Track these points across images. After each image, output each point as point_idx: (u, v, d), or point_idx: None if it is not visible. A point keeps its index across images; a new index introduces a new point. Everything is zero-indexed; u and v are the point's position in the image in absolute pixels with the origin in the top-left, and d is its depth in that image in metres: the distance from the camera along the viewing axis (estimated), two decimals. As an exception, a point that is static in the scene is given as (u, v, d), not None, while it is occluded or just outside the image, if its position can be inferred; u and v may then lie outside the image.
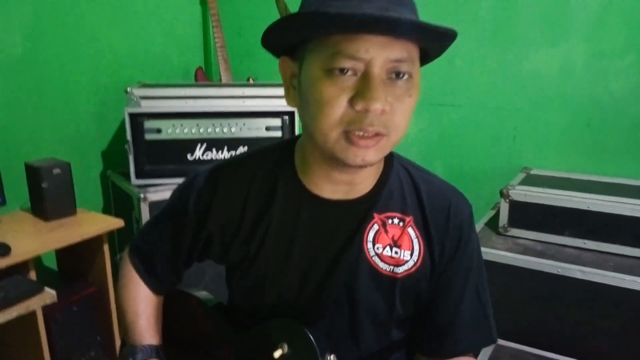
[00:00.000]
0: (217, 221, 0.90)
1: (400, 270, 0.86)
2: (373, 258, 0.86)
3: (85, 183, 2.41)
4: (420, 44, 0.75)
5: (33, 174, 1.90)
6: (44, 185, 1.86)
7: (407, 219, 0.87)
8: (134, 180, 2.18)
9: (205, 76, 2.72)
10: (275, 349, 0.86)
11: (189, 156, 2.21)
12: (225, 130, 2.20)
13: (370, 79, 0.70)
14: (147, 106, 2.16)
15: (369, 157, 0.74)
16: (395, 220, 0.87)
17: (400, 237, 0.86)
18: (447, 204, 0.88)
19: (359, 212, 0.86)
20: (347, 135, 0.73)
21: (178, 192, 0.96)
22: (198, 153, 2.21)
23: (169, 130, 2.18)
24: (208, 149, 2.21)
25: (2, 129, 2.03)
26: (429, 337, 0.91)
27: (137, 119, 2.14)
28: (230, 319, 0.98)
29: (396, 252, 0.86)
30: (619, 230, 1.68)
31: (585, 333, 1.63)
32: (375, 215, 0.86)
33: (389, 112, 0.72)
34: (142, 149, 2.17)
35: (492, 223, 1.97)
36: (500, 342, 1.72)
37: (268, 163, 0.90)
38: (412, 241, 0.87)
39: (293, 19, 0.71)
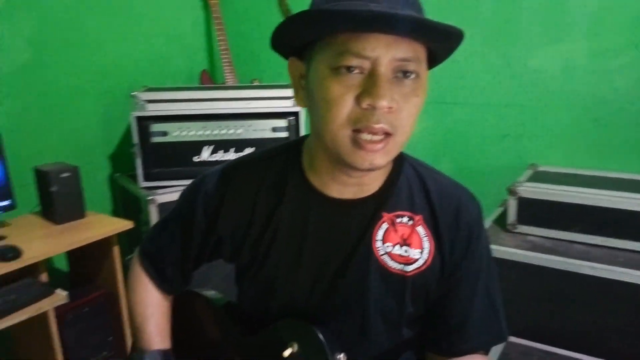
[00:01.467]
0: (227, 224, 0.90)
1: (410, 268, 0.86)
2: (383, 257, 0.86)
3: (93, 186, 2.43)
4: (426, 44, 0.75)
5: (42, 178, 1.92)
6: (53, 189, 1.88)
7: (417, 217, 0.87)
8: (142, 183, 2.19)
9: (210, 79, 2.73)
10: (285, 348, 0.86)
11: (195, 158, 2.22)
12: (231, 131, 2.21)
13: (377, 77, 0.70)
14: (153, 109, 2.18)
15: (377, 160, 0.74)
16: (405, 219, 0.87)
17: (409, 235, 0.86)
18: (456, 203, 0.88)
19: (368, 211, 0.86)
20: (355, 139, 0.73)
21: (186, 195, 0.96)
22: (205, 155, 2.22)
23: (175, 133, 2.19)
24: (215, 150, 2.22)
25: (11, 134, 2.04)
26: (439, 336, 0.91)
27: (144, 123, 2.16)
28: (239, 319, 0.98)
29: (406, 251, 0.86)
30: (628, 225, 1.67)
31: (595, 329, 1.62)
32: (384, 214, 0.86)
33: (395, 111, 0.72)
34: (149, 151, 2.19)
35: (501, 220, 1.97)
36: (511, 339, 1.72)
37: (276, 164, 0.90)
38: (421, 240, 0.86)
39: (300, 17, 0.71)
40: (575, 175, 1.98)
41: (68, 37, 2.27)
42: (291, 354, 0.86)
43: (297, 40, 0.77)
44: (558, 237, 1.80)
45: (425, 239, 0.86)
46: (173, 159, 2.21)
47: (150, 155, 2.19)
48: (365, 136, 0.72)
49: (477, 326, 0.89)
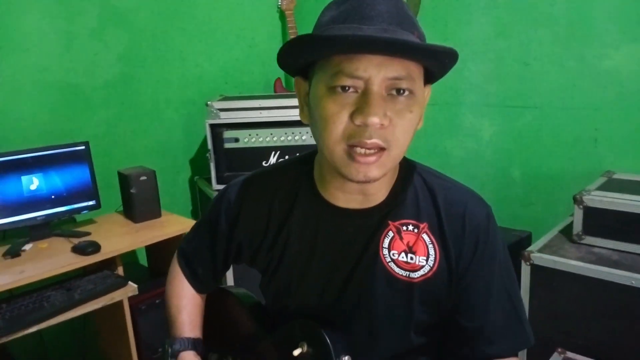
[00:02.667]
0: (245, 230, 0.98)
1: (417, 275, 0.88)
2: (389, 264, 0.89)
3: (175, 188, 2.65)
4: (417, 62, 0.77)
5: (124, 180, 2.14)
6: (133, 190, 2.08)
7: (422, 225, 0.89)
8: (215, 186, 2.35)
9: (283, 87, 2.85)
10: (296, 347, 0.92)
11: (264, 163, 2.34)
12: (297, 138, 2.31)
13: (369, 96, 0.74)
14: (226, 117, 2.33)
15: (371, 173, 0.78)
16: (410, 227, 0.89)
17: (415, 243, 0.89)
18: (462, 209, 0.89)
19: (374, 220, 0.89)
20: (350, 152, 0.77)
21: (214, 203, 1.05)
22: (272, 160, 2.33)
23: (246, 139, 2.33)
24: (281, 156, 2.33)
25: (101, 141, 2.29)
26: (460, 342, 0.92)
27: (217, 130, 2.32)
28: (263, 318, 1.05)
29: (411, 258, 0.89)
30: None
31: (663, 350, 1.51)
32: (390, 222, 0.89)
33: (388, 127, 0.76)
34: (222, 157, 2.34)
35: (568, 230, 1.87)
36: (569, 354, 1.64)
37: (290, 176, 0.96)
38: (427, 247, 0.88)
39: (296, 42, 0.76)
40: (653, 184, 1.84)
41: (154, 52, 2.50)
42: (300, 353, 0.92)
43: (298, 62, 0.83)
44: (627, 249, 1.68)
45: (430, 246, 0.88)
46: (243, 163, 2.34)
47: (222, 160, 2.34)
48: (359, 150, 0.76)
49: (498, 330, 0.89)
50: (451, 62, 0.78)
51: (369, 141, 0.75)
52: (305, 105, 0.86)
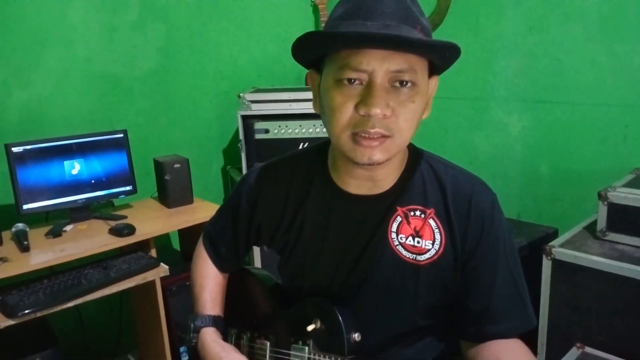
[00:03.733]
0: (264, 212, 1.05)
1: (423, 258, 0.93)
2: (397, 247, 0.94)
3: (208, 176, 2.74)
4: (418, 55, 0.82)
5: (159, 167, 2.24)
6: (167, 177, 2.18)
7: (428, 211, 0.93)
8: (245, 175, 2.42)
9: (314, 79, 2.90)
10: (310, 323, 0.98)
11: (293, 154, 2.40)
12: (324, 130, 2.34)
13: (372, 88, 0.80)
14: (257, 109, 2.40)
15: (375, 156, 0.84)
16: (417, 212, 0.94)
17: (422, 227, 0.93)
18: (468, 195, 0.93)
19: (384, 205, 0.95)
20: (355, 137, 0.83)
21: (236, 187, 1.13)
22: (301, 151, 2.39)
23: (276, 131, 2.40)
24: (310, 147, 2.38)
25: (139, 129, 2.40)
26: (467, 322, 0.96)
27: (248, 121, 2.39)
28: (281, 298, 1.12)
29: (418, 242, 0.93)
30: None
31: (684, 349, 1.50)
32: (398, 208, 0.94)
33: (390, 116, 0.81)
34: (253, 147, 2.41)
35: (593, 227, 1.86)
36: (588, 349, 1.64)
37: (305, 163, 1.03)
38: (433, 232, 0.93)
39: (306, 38, 0.83)
40: (681, 182, 1.81)
41: (191, 45, 2.59)
42: (314, 329, 0.98)
43: (309, 56, 0.89)
44: (651, 247, 1.67)
45: (436, 231, 0.93)
46: (273, 154, 2.36)
47: (253, 150, 2.42)
48: (363, 134, 0.82)
49: (502, 310, 0.93)
50: (453, 55, 0.82)
51: (372, 130, 0.81)
52: (318, 96, 0.92)
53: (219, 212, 1.19)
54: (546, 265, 1.74)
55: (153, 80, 2.48)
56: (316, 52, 0.87)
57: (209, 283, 1.15)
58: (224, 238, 1.15)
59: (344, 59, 0.81)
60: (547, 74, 2.23)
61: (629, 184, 1.81)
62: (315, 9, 2.97)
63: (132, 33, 2.38)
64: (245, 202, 1.08)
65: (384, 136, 0.82)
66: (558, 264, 1.72)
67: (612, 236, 1.76)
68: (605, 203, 1.75)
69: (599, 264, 1.64)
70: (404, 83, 0.81)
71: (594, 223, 1.88)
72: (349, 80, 0.81)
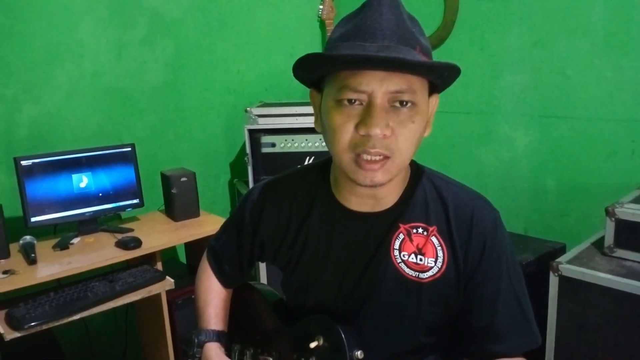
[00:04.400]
0: (268, 229, 1.06)
1: (425, 275, 0.93)
2: (400, 264, 0.94)
3: (215, 189, 2.76)
4: (417, 76, 0.83)
5: (166, 181, 2.26)
6: (174, 190, 2.20)
7: (431, 228, 0.94)
8: (252, 189, 2.43)
9: (321, 94, 2.91)
10: (312, 340, 0.98)
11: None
12: (331, 144, 2.36)
13: (372, 108, 0.81)
14: (263, 123, 2.42)
15: (377, 178, 0.84)
16: (420, 230, 0.94)
17: (424, 245, 0.94)
18: (470, 213, 0.94)
19: (386, 223, 0.95)
20: (357, 159, 0.84)
21: (240, 203, 1.14)
22: (307, 165, 2.40)
23: (282, 145, 2.41)
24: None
25: (146, 143, 2.42)
26: (469, 340, 0.96)
27: (255, 135, 2.41)
28: (284, 314, 1.12)
29: (420, 259, 0.93)
30: None
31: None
32: (401, 225, 0.94)
33: (390, 136, 0.82)
34: (259, 161, 2.43)
35: (600, 243, 1.85)
36: (595, 368, 1.62)
37: (308, 180, 1.04)
38: (435, 249, 0.93)
39: (305, 60, 0.84)
40: (690, 198, 1.79)
41: (199, 60, 2.61)
42: (317, 346, 0.98)
43: (310, 76, 0.90)
44: (659, 264, 1.65)
45: (439, 248, 0.93)
46: (279, 168, 2.41)
47: (259, 164, 2.43)
48: (365, 156, 0.83)
49: (505, 328, 0.93)
50: (452, 75, 0.84)
51: (372, 150, 0.82)
52: (319, 115, 0.93)
53: (222, 227, 1.19)
54: (553, 282, 1.73)
55: (161, 95, 2.50)
56: (316, 73, 0.88)
57: (213, 298, 1.16)
58: (228, 254, 1.15)
59: (344, 80, 0.81)
60: (553, 89, 2.22)
61: (637, 200, 1.80)
62: (322, 25, 3.00)
63: (141, 48, 2.41)
64: (249, 218, 1.08)
65: (384, 157, 0.83)
66: (565, 281, 1.70)
67: (620, 252, 1.74)
68: (613, 219, 1.74)
69: (607, 280, 1.62)
70: (404, 103, 0.82)
71: (602, 239, 1.87)
72: (349, 100, 0.82)
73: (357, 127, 0.82)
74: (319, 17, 2.97)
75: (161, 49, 2.48)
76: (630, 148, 2.04)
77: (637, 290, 1.56)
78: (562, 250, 2.17)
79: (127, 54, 2.37)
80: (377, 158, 0.83)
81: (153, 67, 2.46)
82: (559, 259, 1.76)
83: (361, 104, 0.82)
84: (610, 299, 1.61)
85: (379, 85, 0.80)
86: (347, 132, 0.83)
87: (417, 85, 0.83)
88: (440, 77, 0.85)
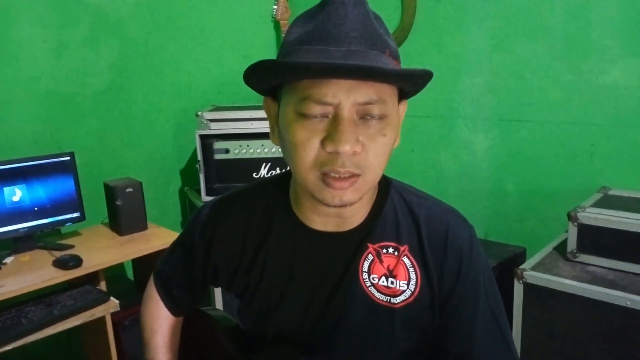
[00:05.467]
0: (221, 252, 0.94)
1: (397, 300, 0.84)
2: (369, 288, 0.85)
3: (165, 199, 2.61)
4: (388, 84, 0.74)
5: (109, 192, 2.10)
6: (118, 202, 2.05)
7: (402, 248, 0.85)
8: (205, 197, 2.31)
9: (276, 97, 2.82)
10: (275, 375, 0.88)
11: (254, 174, 2.30)
12: (288, 150, 2.26)
13: (339, 122, 0.70)
14: (216, 128, 2.29)
15: (346, 197, 0.74)
16: (390, 250, 0.85)
17: (395, 266, 0.85)
18: (444, 229, 0.85)
19: (353, 243, 0.86)
20: (324, 178, 0.73)
21: (189, 223, 1.01)
22: (263, 172, 2.30)
23: (236, 151, 2.29)
24: (272, 168, 2.29)
25: (89, 151, 2.26)
26: None
27: (207, 140, 2.28)
28: (242, 343, 1.01)
29: (392, 282, 0.85)
30: None
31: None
32: (370, 245, 0.85)
33: (360, 153, 0.72)
34: (212, 168, 2.30)
35: (562, 248, 1.83)
36: (563, 378, 1.59)
37: (265, 197, 0.92)
38: (407, 270, 0.84)
39: (260, 67, 0.73)
40: (650, 201, 1.79)
41: (147, 61, 2.47)
42: (278, 381, 0.87)
43: (264, 85, 0.79)
44: (623, 269, 1.63)
45: (411, 269, 0.85)
46: (234, 175, 2.31)
47: (212, 171, 2.31)
48: (333, 174, 0.73)
49: (485, 354, 0.85)
50: (425, 82, 0.75)
51: (342, 169, 0.72)
52: (277, 127, 0.82)
53: (170, 249, 1.07)
54: (518, 290, 1.69)
55: (105, 99, 2.34)
56: (272, 81, 0.77)
57: (161, 326, 1.04)
58: (177, 278, 1.03)
59: (306, 90, 0.71)
60: (512, 92, 2.20)
61: (598, 204, 1.79)
62: (277, 25, 2.89)
63: (83, 50, 2.26)
64: (199, 240, 0.96)
65: (354, 175, 0.73)
66: (530, 288, 1.67)
67: (583, 257, 1.72)
68: (576, 224, 1.72)
69: (573, 287, 1.59)
70: (373, 115, 0.72)
71: (563, 243, 1.85)
72: (312, 114, 0.72)
73: (323, 143, 0.72)
74: (273, 17, 2.87)
75: (105, 50, 2.32)
76: (590, 151, 2.03)
77: (602, 297, 1.54)
78: (522, 254, 2.15)
79: (68, 55, 2.21)
80: (346, 176, 0.73)
81: (96, 70, 2.31)
82: (523, 266, 1.72)
83: (326, 116, 0.72)
84: (578, 307, 1.59)
85: (346, 96, 0.70)
86: (311, 149, 0.72)
87: (388, 93, 0.73)
88: (414, 85, 0.76)
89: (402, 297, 0.84)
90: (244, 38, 2.82)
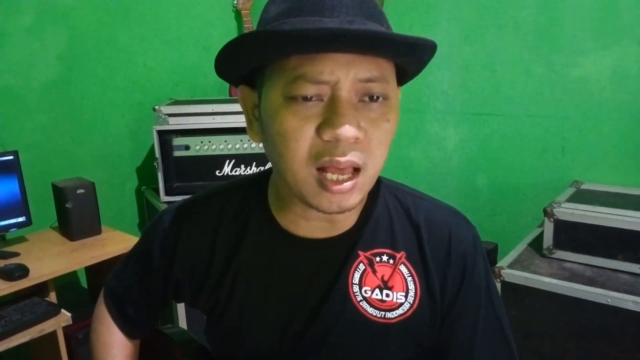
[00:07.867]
0: (185, 265, 0.82)
1: (393, 315, 0.75)
2: (361, 303, 0.75)
3: (121, 200, 2.45)
4: (393, 59, 0.64)
5: (58, 194, 1.94)
6: (68, 205, 1.88)
7: (398, 255, 0.76)
8: (163, 197, 2.17)
9: (239, 90, 2.69)
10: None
11: (217, 172, 2.18)
12: (253, 145, 2.16)
13: (338, 104, 0.60)
14: (175, 123, 2.16)
15: (347, 202, 0.64)
16: (384, 258, 0.76)
17: (391, 276, 0.75)
18: (447, 232, 0.77)
19: (342, 250, 0.75)
20: (320, 179, 0.63)
21: (145, 232, 0.88)
22: (227, 169, 2.18)
23: (197, 147, 2.16)
24: (236, 165, 2.18)
25: (36, 150, 2.09)
26: None
27: (165, 136, 2.14)
28: None
29: (387, 295, 0.75)
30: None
31: (640, 372, 1.44)
32: (361, 253, 0.75)
33: (363, 140, 0.62)
34: (172, 165, 2.17)
35: (537, 243, 1.80)
36: (543, 378, 1.56)
37: (238, 200, 0.81)
38: (405, 281, 0.75)
39: (242, 41, 0.62)
40: (623, 195, 1.78)
41: (98, 52, 2.31)
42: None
43: (244, 67, 0.67)
44: (600, 265, 1.62)
45: (409, 279, 0.75)
46: (195, 173, 2.18)
47: (171, 169, 2.17)
48: (331, 176, 0.62)
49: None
50: (429, 58, 0.65)
51: (342, 159, 0.61)
52: (255, 120, 0.71)
53: (124, 262, 0.92)
54: (496, 289, 1.64)
55: (53, 93, 2.17)
56: (254, 61, 0.65)
57: (116, 355, 0.90)
58: (132, 296, 0.89)
59: (297, 69, 0.60)
60: (482, 86, 2.16)
61: (573, 199, 1.76)
62: (238, 15, 2.77)
63: (27, 39, 2.07)
64: (159, 251, 0.83)
65: (354, 172, 0.63)
66: (508, 286, 1.63)
67: (560, 254, 1.69)
68: (552, 220, 1.68)
69: (551, 285, 1.56)
70: (375, 97, 0.62)
71: (538, 239, 1.82)
72: (305, 97, 0.61)
73: (319, 130, 0.61)
74: (234, 6, 2.75)
75: (52, 39, 2.15)
76: (561, 145, 2.02)
77: (581, 294, 1.51)
78: (494, 250, 2.12)
79: (10, 45, 2.03)
80: (346, 176, 0.63)
81: (42, 61, 2.13)
82: (499, 264, 1.68)
83: (321, 99, 0.61)
84: (556, 304, 1.56)
85: (345, 73, 0.60)
86: (304, 139, 0.61)
87: (389, 72, 0.64)
88: (419, 60, 0.66)
89: (399, 311, 0.75)
90: (203, 28, 2.68)
